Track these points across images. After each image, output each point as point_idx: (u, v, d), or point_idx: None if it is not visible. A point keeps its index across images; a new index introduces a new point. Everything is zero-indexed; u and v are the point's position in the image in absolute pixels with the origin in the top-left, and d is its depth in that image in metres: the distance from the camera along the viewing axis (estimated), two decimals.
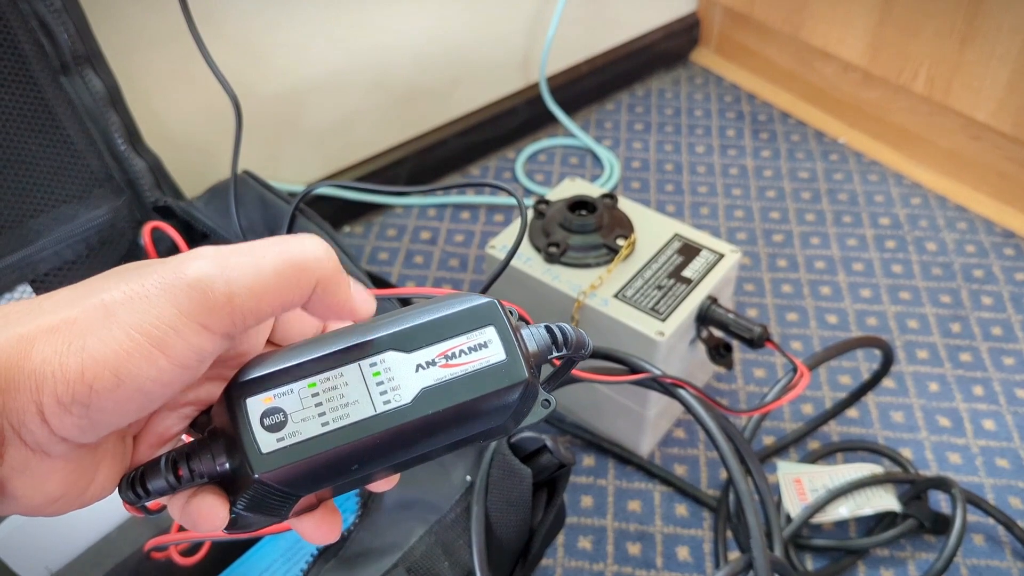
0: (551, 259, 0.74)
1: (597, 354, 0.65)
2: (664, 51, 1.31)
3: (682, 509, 0.76)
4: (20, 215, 0.61)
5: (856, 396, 0.81)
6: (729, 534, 0.73)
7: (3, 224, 0.60)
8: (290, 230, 0.62)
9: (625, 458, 0.79)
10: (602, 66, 1.24)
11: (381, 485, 0.30)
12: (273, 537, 0.57)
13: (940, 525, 0.71)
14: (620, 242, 0.74)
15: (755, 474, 0.62)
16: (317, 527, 0.29)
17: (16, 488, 0.25)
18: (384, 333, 0.27)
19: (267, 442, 0.26)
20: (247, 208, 0.65)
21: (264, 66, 0.89)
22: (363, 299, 0.28)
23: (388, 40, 0.98)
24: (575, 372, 0.54)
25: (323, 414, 0.26)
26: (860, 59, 1.13)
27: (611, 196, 0.80)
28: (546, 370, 0.32)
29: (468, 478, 0.55)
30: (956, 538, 0.66)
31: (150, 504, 0.28)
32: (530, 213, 0.79)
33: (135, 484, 0.27)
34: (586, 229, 0.75)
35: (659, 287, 0.72)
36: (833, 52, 1.16)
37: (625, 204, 0.80)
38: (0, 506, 0.25)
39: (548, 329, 0.30)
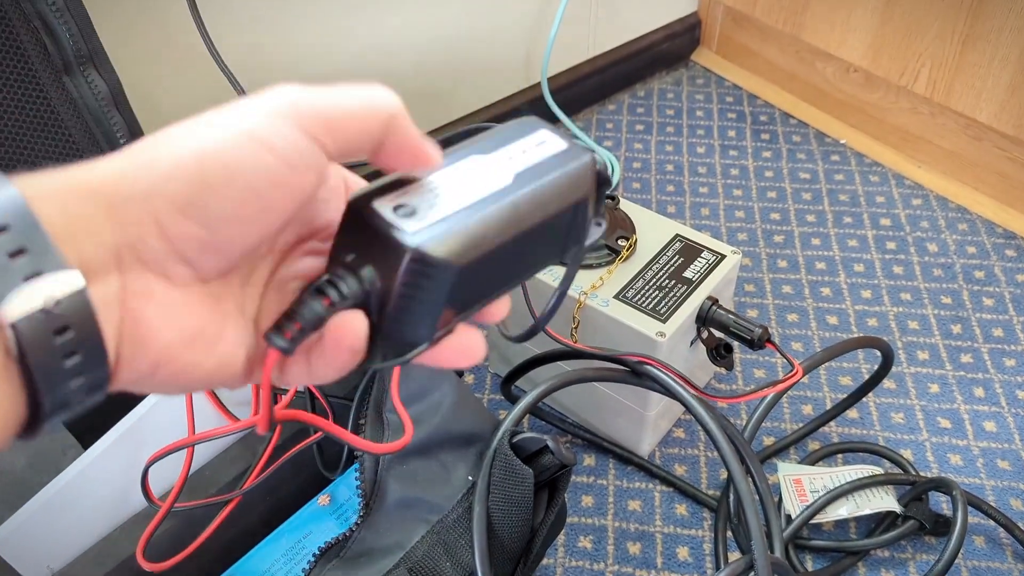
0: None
1: (585, 354, 0.65)
2: (665, 52, 1.31)
3: (682, 509, 0.76)
4: None
5: (856, 397, 0.81)
6: (729, 534, 0.73)
7: None
8: None
9: (625, 458, 0.79)
10: (603, 66, 1.24)
11: (495, 310, 0.31)
12: (274, 537, 0.57)
13: (941, 526, 0.71)
14: (621, 243, 0.75)
15: (755, 474, 0.62)
16: (459, 345, 0.29)
17: (148, 318, 0.23)
18: (458, 151, 0.30)
19: (409, 224, 0.26)
20: None
21: (266, 67, 0.89)
22: (431, 143, 0.29)
23: (390, 41, 0.98)
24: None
25: (445, 200, 0.27)
26: (861, 60, 1.13)
27: (612, 197, 0.80)
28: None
29: (470, 478, 0.55)
30: (957, 540, 0.66)
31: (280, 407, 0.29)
32: None
33: (283, 326, 0.26)
34: None
35: (660, 288, 0.72)
36: (834, 53, 1.16)
37: (626, 205, 0.80)
38: (134, 352, 0.23)
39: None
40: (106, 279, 0.22)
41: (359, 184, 0.31)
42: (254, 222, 0.24)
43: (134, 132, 0.67)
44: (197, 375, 0.25)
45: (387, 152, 0.27)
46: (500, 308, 0.31)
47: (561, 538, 0.74)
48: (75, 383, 0.21)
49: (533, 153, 0.30)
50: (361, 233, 0.27)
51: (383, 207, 0.27)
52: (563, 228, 0.31)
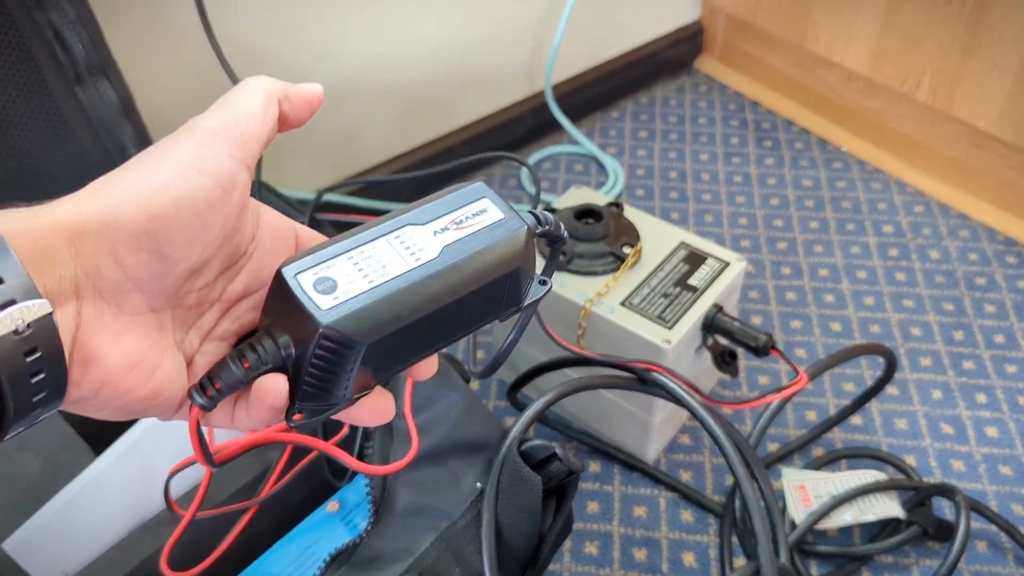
0: (558, 267, 0.75)
1: (591, 361, 0.66)
2: (668, 59, 1.32)
3: (687, 515, 0.77)
4: None
5: (860, 403, 0.81)
6: (734, 540, 0.73)
7: None
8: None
9: (631, 464, 0.80)
10: (607, 74, 1.25)
11: (423, 369, 0.33)
12: (284, 543, 0.57)
13: (943, 532, 0.72)
14: (626, 250, 0.75)
15: (760, 480, 0.63)
16: (372, 407, 0.32)
17: (96, 343, 0.26)
18: (395, 219, 0.31)
19: (325, 301, 0.28)
20: None
21: (273, 75, 0.90)
22: (310, 89, 0.33)
23: (395, 49, 0.99)
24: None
25: (366, 275, 0.29)
26: (863, 68, 1.13)
27: (617, 204, 0.80)
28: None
29: (478, 485, 0.56)
30: (959, 545, 0.67)
31: (215, 451, 0.30)
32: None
33: (205, 386, 0.29)
34: (593, 237, 0.75)
35: (665, 295, 0.72)
36: (836, 61, 1.16)
37: (631, 212, 0.81)
38: (82, 373, 0.26)
39: (530, 212, 0.34)
40: (66, 306, 0.25)
41: (271, 216, 0.33)
42: (196, 242, 0.28)
43: (143, 141, 0.68)
44: (134, 399, 0.27)
45: (293, 114, 0.32)
46: (427, 368, 0.33)
47: (567, 544, 0.74)
48: (37, 398, 0.24)
49: (468, 224, 0.31)
50: (285, 301, 0.29)
51: (306, 280, 0.29)
52: (494, 295, 0.32)
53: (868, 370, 0.89)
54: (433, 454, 0.56)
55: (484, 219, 0.31)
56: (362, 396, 0.31)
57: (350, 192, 1.03)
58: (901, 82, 1.10)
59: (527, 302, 0.33)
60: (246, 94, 0.31)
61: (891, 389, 0.87)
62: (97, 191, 0.26)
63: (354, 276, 0.29)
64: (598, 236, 0.75)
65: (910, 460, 0.81)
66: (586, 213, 0.78)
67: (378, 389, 0.32)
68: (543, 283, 0.34)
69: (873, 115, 1.17)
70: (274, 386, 0.29)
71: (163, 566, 0.53)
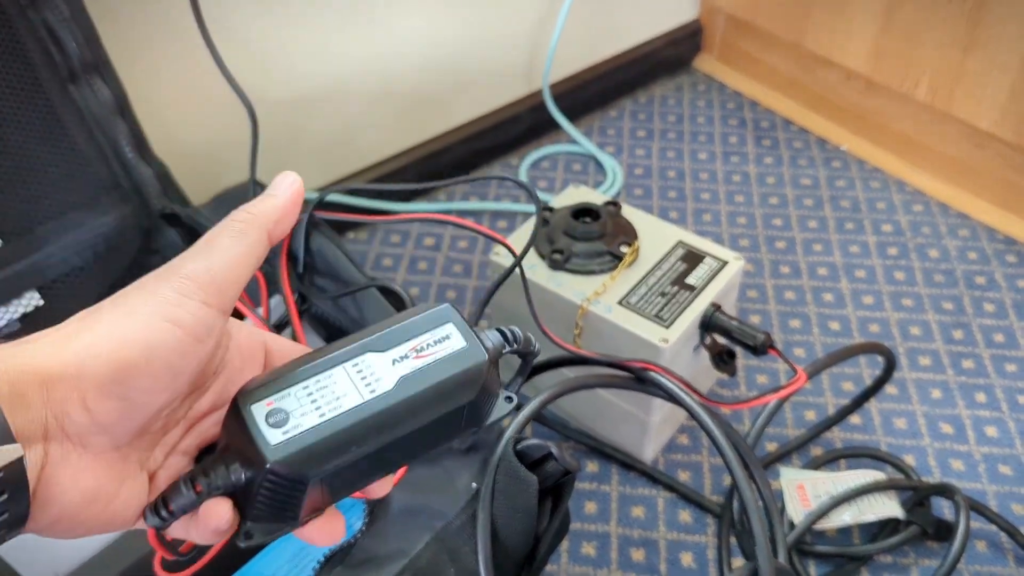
0: (555, 266, 0.74)
1: (588, 360, 0.65)
2: (667, 58, 1.32)
3: (686, 515, 0.76)
4: (28, 222, 0.62)
5: (859, 403, 0.81)
6: (733, 540, 0.73)
7: (11, 231, 0.61)
8: (306, 238, 0.63)
9: (629, 464, 0.80)
10: (605, 73, 1.24)
11: (378, 488, 0.34)
12: (280, 543, 0.57)
13: (943, 532, 0.71)
14: (624, 249, 0.75)
15: (759, 481, 0.62)
16: (322, 529, 0.32)
17: (58, 480, 0.27)
18: (359, 343, 0.32)
19: (274, 436, 0.29)
20: None
21: (269, 74, 0.90)
22: (284, 194, 0.33)
23: (392, 48, 0.99)
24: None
25: (319, 408, 0.30)
26: (863, 67, 1.13)
27: (615, 203, 0.80)
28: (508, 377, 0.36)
29: (474, 485, 0.55)
30: (959, 545, 0.67)
31: (179, 543, 0.32)
32: (533, 219, 0.79)
33: (159, 508, 0.30)
34: (590, 236, 0.75)
35: (663, 294, 0.72)
36: (836, 60, 1.16)
37: (628, 211, 0.80)
38: (41, 510, 0.27)
39: (499, 330, 0.34)
40: (34, 447, 0.26)
41: (242, 335, 0.33)
42: (165, 389, 0.28)
43: (137, 139, 0.67)
44: (90, 526, 0.29)
45: (275, 239, 0.32)
46: (380, 488, 0.34)
47: (565, 544, 0.74)
48: None
49: (427, 352, 0.31)
50: (239, 429, 0.30)
51: (259, 411, 0.30)
52: (450, 422, 0.32)
53: (867, 369, 0.88)
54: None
55: (445, 347, 0.32)
56: (313, 518, 0.32)
57: (349, 192, 1.03)
58: (900, 81, 1.09)
59: (489, 421, 0.33)
60: (228, 236, 0.30)
61: (890, 388, 0.86)
62: (71, 336, 0.27)
63: (307, 408, 0.29)
64: (595, 235, 0.75)
65: (909, 460, 0.80)
66: (583, 212, 0.77)
67: (330, 510, 0.32)
68: (509, 400, 0.34)
69: (872, 114, 1.17)
70: (218, 512, 0.30)
71: (157, 567, 0.53)
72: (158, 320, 0.27)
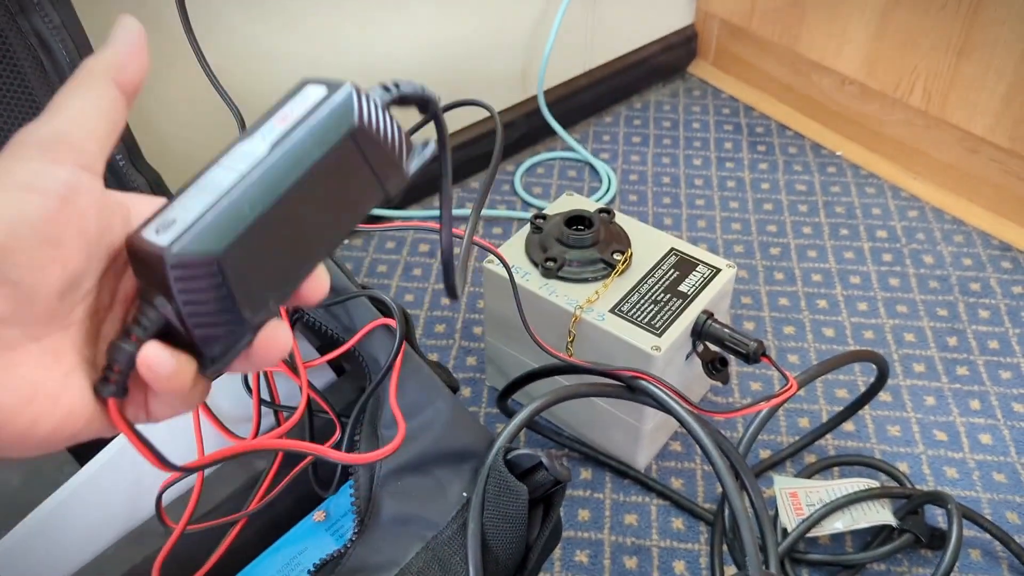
0: (548, 274, 0.74)
1: (579, 369, 0.65)
2: (662, 64, 1.32)
3: (679, 523, 0.76)
4: None
5: (852, 410, 0.81)
6: (725, 548, 0.73)
7: None
8: None
9: (622, 471, 0.79)
10: (600, 79, 1.24)
11: (311, 288, 0.31)
12: (270, 553, 0.57)
13: (936, 540, 0.71)
14: (616, 257, 0.75)
15: (751, 489, 0.62)
16: (268, 338, 0.30)
17: None
18: (227, 149, 0.30)
19: (165, 238, 0.27)
20: None
21: (263, 79, 0.90)
22: (128, 27, 0.31)
23: (386, 55, 0.99)
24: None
25: (202, 199, 0.28)
26: (857, 72, 1.13)
27: (608, 211, 0.80)
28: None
29: (464, 495, 0.55)
30: (952, 553, 0.66)
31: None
32: (527, 228, 0.80)
33: (107, 376, 0.28)
34: (583, 244, 0.75)
35: (655, 302, 0.72)
36: (830, 65, 1.16)
37: (622, 219, 0.80)
38: None
39: (380, 84, 0.33)
40: None
41: (144, 203, 0.31)
42: (49, 260, 0.26)
43: (129, 148, 0.67)
44: (43, 430, 0.27)
45: (132, 87, 0.30)
46: (315, 287, 0.31)
47: (557, 552, 0.74)
48: None
49: (294, 113, 0.30)
50: (141, 264, 0.28)
51: (148, 231, 0.28)
52: (348, 171, 0.30)
53: (861, 376, 0.88)
54: (419, 463, 0.56)
55: (307, 101, 0.30)
56: (264, 319, 0.30)
57: None
58: (895, 87, 1.10)
59: (410, 168, 0.32)
60: (66, 95, 0.29)
61: (884, 395, 0.86)
62: None
63: (190, 204, 0.28)
64: (588, 243, 0.75)
65: (903, 467, 0.80)
66: (576, 220, 0.77)
67: (274, 320, 0.30)
68: (424, 145, 0.32)
69: (867, 120, 1.17)
70: (147, 354, 0.27)
71: (155, 573, 0.53)
72: (10, 191, 0.26)
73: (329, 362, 0.65)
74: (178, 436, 0.58)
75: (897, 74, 1.09)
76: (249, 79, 0.88)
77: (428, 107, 0.34)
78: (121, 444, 0.57)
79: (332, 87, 0.30)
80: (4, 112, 0.59)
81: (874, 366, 0.77)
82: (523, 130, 1.18)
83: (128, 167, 0.67)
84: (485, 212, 1.09)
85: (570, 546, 0.74)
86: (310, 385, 0.58)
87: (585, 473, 0.80)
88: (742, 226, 1.08)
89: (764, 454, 0.81)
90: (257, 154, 0.28)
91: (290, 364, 0.58)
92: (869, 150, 1.18)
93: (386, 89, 0.32)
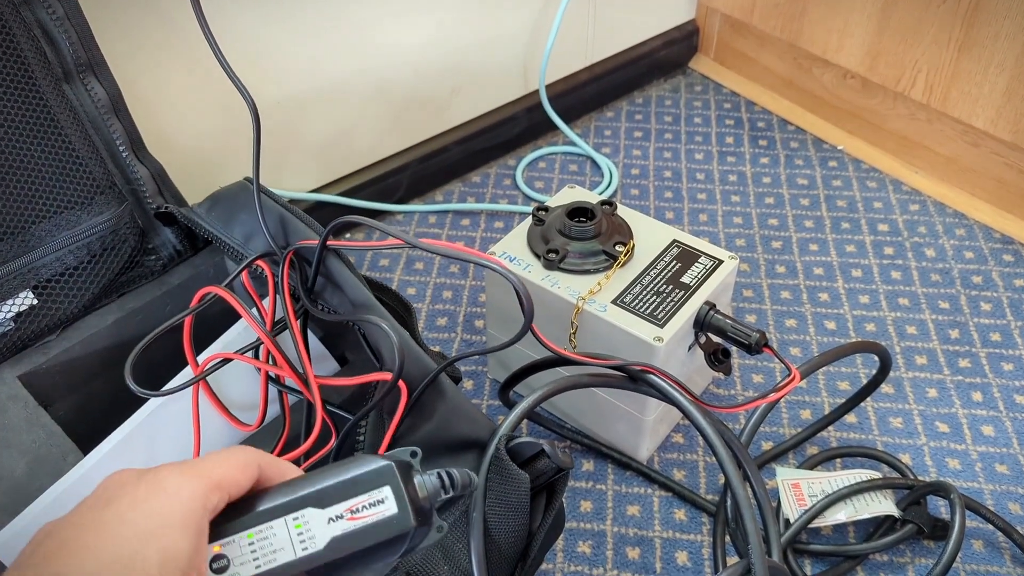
0: (550, 265, 0.74)
1: (579, 361, 0.65)
2: (663, 59, 1.32)
3: (681, 514, 0.76)
4: (22, 221, 0.62)
5: (855, 402, 0.81)
6: (728, 539, 0.73)
7: (5, 230, 0.61)
8: (319, 261, 0.62)
9: (624, 463, 0.80)
10: (601, 74, 1.24)
11: None
12: None
13: (939, 531, 0.71)
14: (619, 248, 0.75)
15: (753, 480, 0.62)
16: None
17: None
18: (306, 492, 0.36)
19: None
20: (248, 215, 0.65)
21: (265, 75, 0.90)
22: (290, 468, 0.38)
23: (388, 49, 0.99)
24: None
25: (256, 559, 0.35)
26: (859, 66, 1.13)
27: (609, 203, 0.80)
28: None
29: None
30: (955, 543, 0.66)
31: None
32: (529, 220, 0.80)
33: None
34: (585, 236, 0.75)
35: (657, 293, 0.72)
36: (832, 59, 1.16)
37: (624, 211, 0.80)
38: None
39: (439, 476, 0.39)
40: None
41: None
42: None
43: (133, 139, 0.67)
44: None
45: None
46: None
47: (560, 543, 0.74)
48: None
49: (361, 515, 0.36)
50: None
51: (210, 554, 0.34)
52: (377, 566, 0.37)
53: (864, 368, 0.88)
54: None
55: (377, 511, 0.36)
56: None
57: (342, 192, 1.03)
58: (896, 81, 1.10)
59: (421, 545, 0.37)
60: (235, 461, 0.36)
61: (886, 387, 0.86)
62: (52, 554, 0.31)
63: (246, 558, 0.35)
64: (590, 234, 0.75)
65: (905, 459, 0.80)
66: (578, 211, 0.77)
67: None
68: (440, 529, 0.38)
69: (868, 114, 1.17)
70: None
71: None
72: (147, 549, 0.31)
73: (332, 353, 0.65)
74: (181, 424, 0.58)
75: (898, 68, 1.08)
76: (254, 73, 0.88)
77: (462, 497, 0.43)
78: (125, 432, 0.57)
79: (402, 511, 0.36)
80: (8, 102, 0.59)
81: (876, 358, 0.77)
82: (524, 124, 1.18)
83: (131, 158, 0.67)
84: (486, 207, 1.09)
85: (573, 537, 0.75)
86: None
87: (587, 465, 0.80)
88: (744, 220, 1.08)
89: (766, 446, 0.81)
90: (316, 543, 0.35)
91: (302, 376, 0.57)
92: (870, 144, 1.18)
93: (442, 484, 0.39)
